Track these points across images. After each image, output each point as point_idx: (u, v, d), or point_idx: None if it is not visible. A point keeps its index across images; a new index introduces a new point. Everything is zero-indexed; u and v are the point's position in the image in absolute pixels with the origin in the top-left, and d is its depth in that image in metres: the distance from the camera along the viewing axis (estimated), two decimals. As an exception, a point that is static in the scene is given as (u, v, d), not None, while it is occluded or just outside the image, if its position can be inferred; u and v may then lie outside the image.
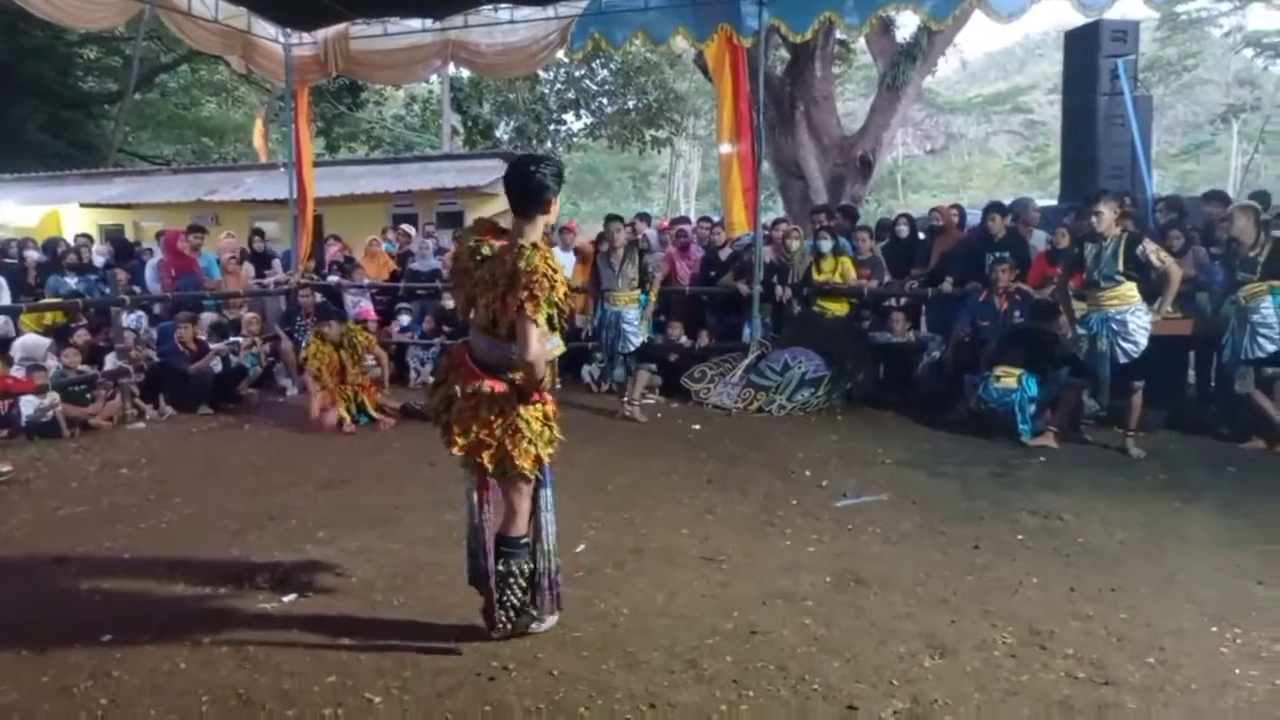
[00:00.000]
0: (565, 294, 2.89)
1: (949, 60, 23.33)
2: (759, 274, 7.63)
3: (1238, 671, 2.87)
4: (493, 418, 2.91)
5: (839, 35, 12.57)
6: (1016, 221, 7.60)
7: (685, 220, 10.77)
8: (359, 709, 2.68)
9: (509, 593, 3.02)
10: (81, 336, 7.49)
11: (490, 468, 2.93)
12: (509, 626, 3.05)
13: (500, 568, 2.99)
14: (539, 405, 2.99)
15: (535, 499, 3.07)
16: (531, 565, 3.07)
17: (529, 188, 2.89)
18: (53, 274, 9.06)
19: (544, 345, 2.83)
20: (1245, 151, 28.19)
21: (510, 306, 2.78)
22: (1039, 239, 7.53)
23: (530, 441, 2.93)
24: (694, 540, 4.15)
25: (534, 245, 2.83)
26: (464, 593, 3.28)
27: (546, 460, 3.02)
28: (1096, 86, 8.65)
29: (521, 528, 3.06)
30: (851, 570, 3.73)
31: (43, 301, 7.77)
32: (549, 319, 2.85)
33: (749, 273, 7.72)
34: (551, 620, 3.17)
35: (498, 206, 14.53)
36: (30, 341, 7.03)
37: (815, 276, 7.68)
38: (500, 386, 2.93)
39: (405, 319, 8.94)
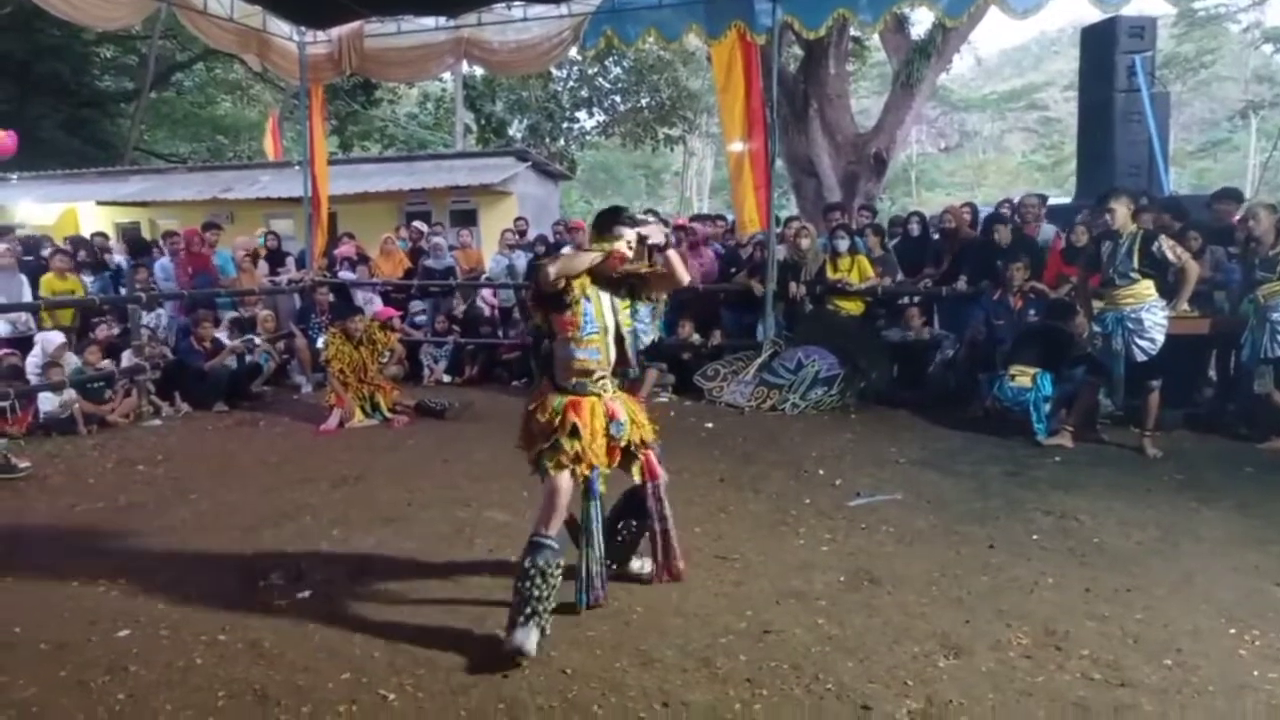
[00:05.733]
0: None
1: (963, 57, 23.18)
2: (772, 272, 7.61)
3: (1256, 673, 2.84)
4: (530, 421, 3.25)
5: (853, 32, 12.52)
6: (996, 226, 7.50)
7: (701, 218, 10.73)
8: (373, 705, 2.69)
9: (527, 584, 2.97)
10: (101, 332, 7.55)
11: (531, 465, 3.23)
12: (522, 623, 2.99)
13: (525, 562, 3.02)
14: (551, 404, 3.20)
15: (586, 510, 3.26)
16: (560, 566, 3.08)
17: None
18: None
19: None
20: (1264, 149, 27.88)
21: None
22: (1047, 233, 7.49)
23: (535, 438, 3.19)
24: (707, 539, 4.14)
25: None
26: (478, 590, 3.29)
27: (567, 461, 3.12)
28: (1113, 83, 8.58)
29: (551, 528, 3.09)
30: (865, 569, 3.72)
31: (59, 299, 7.84)
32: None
33: (762, 271, 7.71)
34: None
35: (510, 205, 14.60)
36: (49, 337, 7.08)
37: (831, 275, 7.65)
38: (537, 397, 3.27)
39: (421, 319, 8.99)
